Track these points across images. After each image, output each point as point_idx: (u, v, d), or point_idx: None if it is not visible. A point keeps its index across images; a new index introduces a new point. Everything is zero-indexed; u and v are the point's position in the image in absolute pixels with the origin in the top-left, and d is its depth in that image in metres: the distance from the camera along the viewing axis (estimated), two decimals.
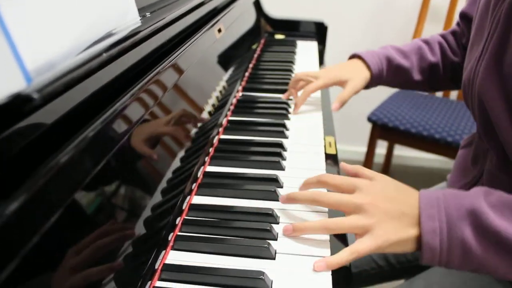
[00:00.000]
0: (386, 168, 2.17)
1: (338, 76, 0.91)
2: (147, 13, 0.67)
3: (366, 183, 0.57)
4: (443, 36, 0.95)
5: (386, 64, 0.92)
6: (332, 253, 0.55)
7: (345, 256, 0.52)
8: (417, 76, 0.92)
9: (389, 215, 0.53)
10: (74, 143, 0.39)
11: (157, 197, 0.55)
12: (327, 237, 0.57)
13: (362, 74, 0.91)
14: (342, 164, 0.65)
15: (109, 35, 0.52)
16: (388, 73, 0.92)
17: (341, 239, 0.58)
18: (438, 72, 0.93)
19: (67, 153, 0.38)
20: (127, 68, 0.54)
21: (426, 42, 0.94)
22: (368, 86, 0.94)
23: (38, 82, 0.34)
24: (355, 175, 0.60)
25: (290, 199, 0.60)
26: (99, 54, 0.45)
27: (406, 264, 0.88)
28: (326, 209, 0.62)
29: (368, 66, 0.91)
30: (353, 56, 0.96)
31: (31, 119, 0.36)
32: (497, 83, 0.61)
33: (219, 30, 0.97)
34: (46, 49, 0.41)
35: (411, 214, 0.53)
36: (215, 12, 1.02)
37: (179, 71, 0.69)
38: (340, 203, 0.55)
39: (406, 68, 0.91)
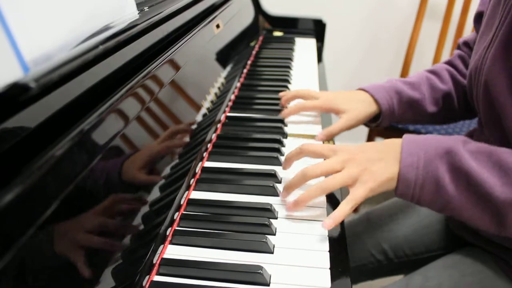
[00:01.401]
0: None
1: (336, 103, 0.83)
2: (145, 8, 0.67)
3: (344, 145, 0.62)
4: (448, 62, 0.90)
5: (396, 98, 0.84)
6: (331, 247, 0.55)
7: (344, 207, 0.56)
8: (430, 107, 0.85)
9: (372, 160, 0.58)
10: (70, 136, 0.39)
11: (155, 192, 0.55)
12: (325, 232, 0.57)
13: (365, 108, 0.82)
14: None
15: (106, 28, 0.52)
16: (400, 108, 0.84)
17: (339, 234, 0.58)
18: (452, 101, 0.87)
19: (63, 146, 0.38)
20: (124, 62, 0.54)
21: (433, 72, 0.89)
22: (379, 124, 0.86)
23: (35, 72, 0.34)
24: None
25: (287, 189, 0.62)
26: (95, 47, 0.45)
27: (404, 258, 0.88)
28: (324, 206, 0.62)
29: (376, 101, 0.83)
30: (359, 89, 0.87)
31: (28, 111, 0.36)
32: (505, 70, 0.62)
33: (218, 26, 0.97)
34: (43, 41, 0.40)
35: (393, 152, 0.58)
36: (213, 8, 1.02)
37: (177, 66, 0.69)
38: (328, 167, 0.59)
39: (417, 99, 0.84)
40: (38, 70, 0.35)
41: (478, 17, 0.82)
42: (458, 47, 0.93)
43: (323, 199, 0.64)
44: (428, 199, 0.57)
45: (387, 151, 0.59)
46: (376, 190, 0.57)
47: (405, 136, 0.59)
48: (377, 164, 0.57)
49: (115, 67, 0.51)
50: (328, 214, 0.61)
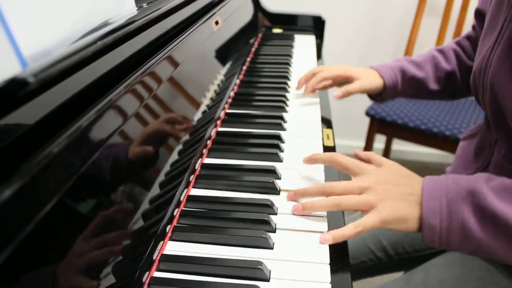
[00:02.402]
0: None
1: (350, 71, 0.93)
2: (144, 4, 0.67)
3: (372, 168, 0.61)
4: (457, 42, 0.95)
5: (400, 76, 0.92)
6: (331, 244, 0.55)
7: (350, 229, 0.54)
8: (433, 85, 0.92)
9: (392, 195, 0.56)
10: (69, 132, 0.39)
11: (155, 189, 0.55)
12: (325, 227, 0.57)
13: (374, 80, 0.92)
14: (356, 151, 0.68)
15: (104, 24, 0.52)
16: (403, 85, 0.93)
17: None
18: (455, 80, 0.93)
19: (62, 142, 0.38)
20: (123, 58, 0.54)
21: (440, 51, 0.95)
22: (384, 98, 0.95)
23: (33, 67, 0.34)
24: (368, 161, 0.63)
25: (299, 195, 0.62)
26: (94, 42, 0.45)
27: (404, 255, 0.88)
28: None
29: (382, 77, 0.92)
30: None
31: (26, 107, 0.36)
32: (511, 72, 0.61)
33: (216, 23, 0.97)
34: (41, 37, 0.40)
35: (414, 195, 0.56)
36: (212, 5, 1.02)
37: (176, 62, 0.69)
38: (347, 188, 0.58)
39: (420, 78, 0.92)
40: (37, 65, 0.35)
41: (477, 14, 0.83)
42: (474, 29, 0.94)
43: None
44: (456, 243, 0.54)
45: (407, 188, 0.57)
46: (388, 223, 0.55)
47: (425, 179, 0.57)
48: (396, 201, 0.56)
49: (114, 63, 0.51)
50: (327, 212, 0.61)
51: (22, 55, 0.34)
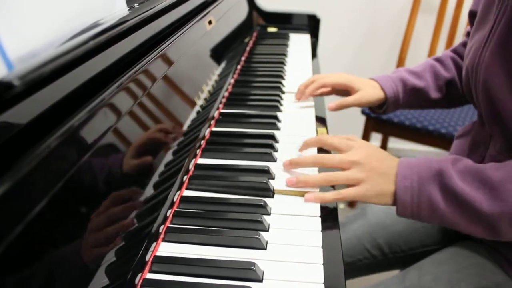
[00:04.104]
0: None
1: (350, 82, 0.90)
2: (135, 4, 0.66)
3: (359, 143, 0.67)
4: (454, 50, 0.94)
5: (401, 86, 0.91)
6: (324, 242, 0.55)
7: (332, 195, 0.62)
8: (434, 94, 0.91)
9: (376, 172, 0.63)
10: (59, 133, 0.39)
11: (148, 189, 0.54)
12: (318, 226, 0.57)
13: (375, 92, 0.90)
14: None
15: (95, 25, 0.51)
16: (404, 95, 0.91)
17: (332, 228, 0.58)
18: (455, 87, 0.91)
19: (51, 143, 0.37)
20: (113, 60, 0.53)
21: (438, 60, 0.94)
22: (385, 110, 0.93)
23: (20, 70, 0.34)
24: (348, 138, 0.69)
25: (294, 164, 0.67)
26: (84, 43, 0.44)
27: (400, 253, 0.88)
28: (318, 202, 0.62)
29: (383, 89, 0.90)
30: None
31: (13, 111, 0.35)
32: (503, 69, 0.62)
33: (210, 22, 0.96)
34: (29, 38, 0.40)
35: (391, 173, 0.63)
36: (206, 4, 1.01)
37: (169, 62, 0.68)
38: (341, 161, 0.64)
39: (421, 87, 0.91)
40: (23, 67, 0.34)
41: (471, 15, 0.83)
42: (468, 35, 0.93)
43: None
44: (425, 216, 0.61)
45: (387, 166, 0.64)
46: (367, 197, 0.62)
47: (400, 160, 0.64)
48: (378, 178, 0.63)
49: (105, 65, 0.51)
50: (321, 209, 0.61)
51: (8, 57, 0.34)
